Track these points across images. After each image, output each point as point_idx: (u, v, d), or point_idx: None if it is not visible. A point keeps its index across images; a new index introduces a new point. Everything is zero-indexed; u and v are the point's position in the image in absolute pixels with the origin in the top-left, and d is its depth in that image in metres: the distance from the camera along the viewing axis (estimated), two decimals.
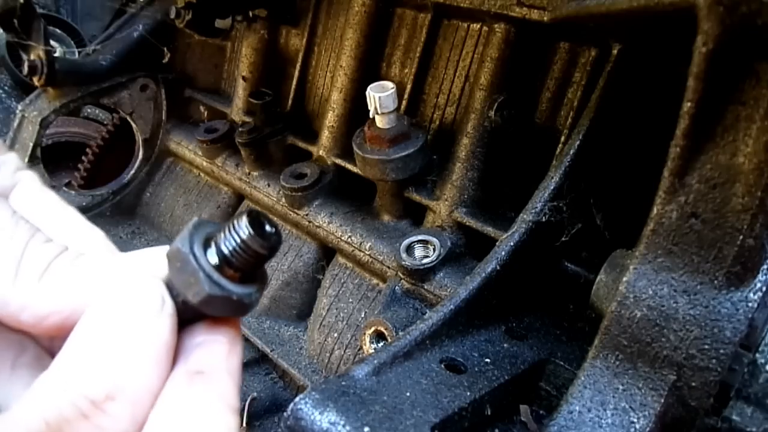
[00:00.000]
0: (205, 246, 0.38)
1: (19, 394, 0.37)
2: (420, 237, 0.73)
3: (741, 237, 0.39)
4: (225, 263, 0.37)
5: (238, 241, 0.37)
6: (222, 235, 0.37)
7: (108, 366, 0.34)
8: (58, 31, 1.27)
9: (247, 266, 0.38)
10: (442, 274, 0.70)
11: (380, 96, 0.72)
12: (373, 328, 0.67)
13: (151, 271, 0.39)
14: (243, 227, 0.37)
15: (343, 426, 0.40)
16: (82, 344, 0.35)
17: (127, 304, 0.36)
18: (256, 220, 0.37)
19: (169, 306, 0.37)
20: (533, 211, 0.61)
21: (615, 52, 0.63)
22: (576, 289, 0.65)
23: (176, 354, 0.38)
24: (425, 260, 0.70)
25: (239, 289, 0.37)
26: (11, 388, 0.40)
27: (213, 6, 1.02)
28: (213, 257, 0.37)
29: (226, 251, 0.37)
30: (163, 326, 0.36)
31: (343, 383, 0.44)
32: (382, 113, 0.73)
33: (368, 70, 0.88)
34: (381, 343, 0.67)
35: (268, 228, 0.38)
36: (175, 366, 0.37)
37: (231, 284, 0.37)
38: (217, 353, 0.38)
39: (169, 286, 0.38)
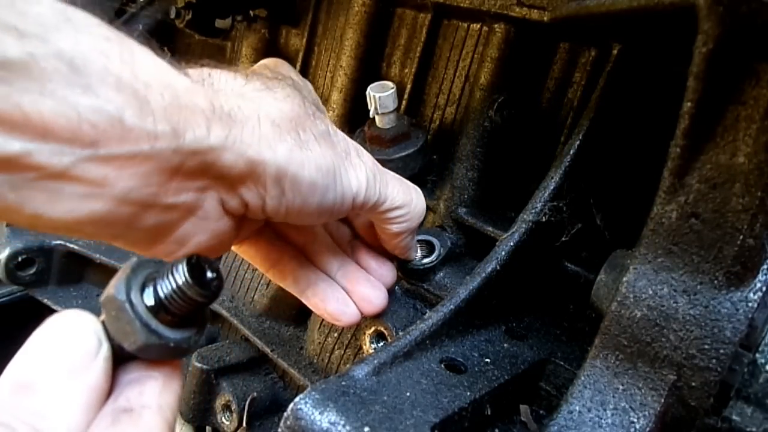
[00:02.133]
0: (143, 288, 0.37)
1: None
2: (420, 237, 0.73)
3: (741, 237, 0.39)
4: (162, 308, 0.36)
5: (176, 287, 0.36)
6: (160, 278, 0.37)
7: (34, 408, 0.33)
8: None
9: (185, 312, 0.37)
10: (442, 274, 0.70)
11: (380, 96, 0.72)
12: (373, 328, 0.67)
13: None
14: (181, 273, 0.36)
15: (343, 426, 0.40)
16: (11, 383, 0.34)
17: (63, 345, 0.36)
18: (197, 265, 0.37)
19: (105, 349, 0.36)
20: (533, 211, 0.61)
21: (615, 52, 0.64)
22: (576, 289, 0.65)
23: (111, 389, 0.37)
24: (425, 260, 0.70)
25: (177, 334, 0.37)
26: None
27: (213, 6, 1.02)
28: (150, 300, 0.36)
29: (163, 296, 0.36)
30: (95, 370, 0.36)
31: (343, 383, 0.44)
32: (382, 113, 0.73)
33: (368, 70, 0.88)
34: (381, 343, 0.67)
35: (209, 274, 0.38)
36: (105, 403, 0.36)
37: (168, 330, 0.37)
38: (149, 390, 0.37)
39: (107, 327, 0.37)
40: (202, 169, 0.42)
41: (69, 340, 0.36)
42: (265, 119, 0.46)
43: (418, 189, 0.62)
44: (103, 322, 0.37)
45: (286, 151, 0.46)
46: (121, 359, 0.37)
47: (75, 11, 0.37)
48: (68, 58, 0.34)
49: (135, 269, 0.37)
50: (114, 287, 0.36)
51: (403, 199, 0.58)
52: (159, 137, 0.38)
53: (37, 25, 0.34)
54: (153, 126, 0.38)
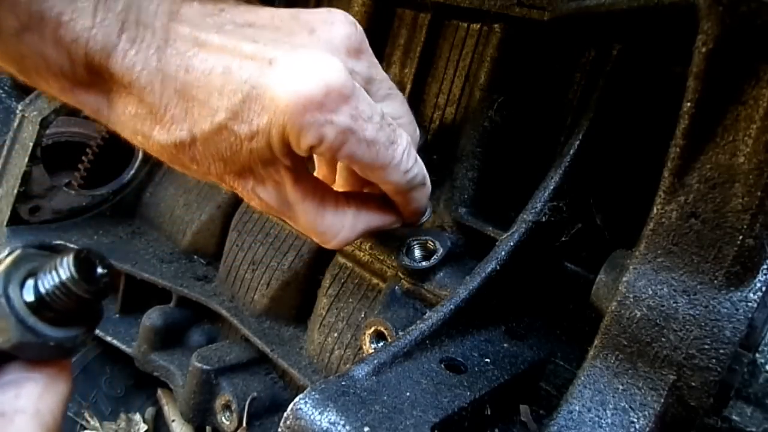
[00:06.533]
0: (24, 282, 0.34)
1: None
2: (420, 237, 0.73)
3: (741, 237, 0.40)
4: (43, 305, 0.34)
5: (59, 282, 0.33)
6: (43, 272, 0.34)
7: None
8: None
9: (70, 308, 0.34)
10: (442, 274, 0.70)
11: None
12: (373, 328, 0.67)
13: None
14: (66, 267, 0.34)
15: (343, 426, 0.40)
16: None
17: None
18: (85, 260, 0.34)
19: None
20: (533, 211, 0.61)
21: (615, 52, 0.64)
22: (576, 289, 0.65)
23: None
24: (425, 260, 0.70)
25: (59, 333, 0.34)
26: None
27: None
28: (29, 296, 0.34)
29: (44, 291, 0.34)
30: None
31: (343, 383, 0.45)
32: None
33: None
34: (381, 343, 0.67)
35: (99, 270, 0.35)
36: None
37: (49, 328, 0.34)
38: (26, 393, 0.35)
39: None
40: None
41: None
42: None
43: None
44: None
45: None
46: (1, 359, 0.35)
47: None
48: None
49: (17, 261, 0.34)
50: None
51: None
52: None
53: None
54: None
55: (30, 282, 0.34)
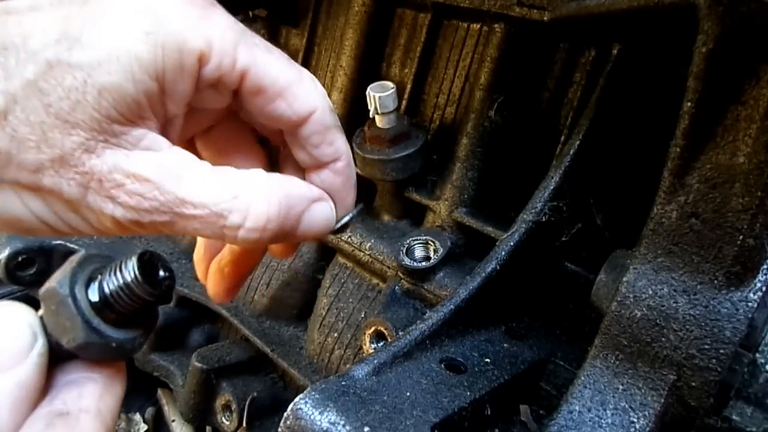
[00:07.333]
0: (89, 282, 0.34)
1: None
2: (420, 237, 0.73)
3: (741, 237, 0.40)
4: (107, 305, 0.34)
5: (123, 284, 0.34)
6: (108, 273, 0.34)
7: None
8: None
9: (132, 310, 0.35)
10: (442, 274, 0.70)
11: (380, 96, 0.72)
12: (373, 328, 0.67)
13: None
14: (130, 270, 0.34)
15: (343, 426, 0.40)
16: None
17: None
18: (148, 263, 0.35)
19: (40, 345, 0.34)
20: (533, 211, 0.61)
21: (615, 52, 0.64)
22: (576, 289, 0.65)
23: (45, 391, 0.34)
24: (425, 260, 0.70)
25: (121, 334, 0.35)
26: None
27: None
28: (95, 296, 0.34)
29: (109, 293, 0.34)
30: (27, 366, 0.33)
31: (343, 383, 0.45)
32: (382, 113, 0.73)
33: (368, 70, 0.88)
34: (381, 343, 0.67)
35: (161, 273, 0.36)
36: (39, 405, 0.34)
37: (111, 329, 0.34)
38: (88, 393, 0.35)
39: (45, 322, 0.35)
40: None
41: (1, 333, 0.33)
42: None
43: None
44: (41, 317, 0.35)
45: None
46: (59, 358, 0.35)
47: None
48: None
49: (82, 262, 0.35)
50: (56, 280, 0.34)
51: None
52: None
53: None
54: None
55: (94, 283, 0.35)
